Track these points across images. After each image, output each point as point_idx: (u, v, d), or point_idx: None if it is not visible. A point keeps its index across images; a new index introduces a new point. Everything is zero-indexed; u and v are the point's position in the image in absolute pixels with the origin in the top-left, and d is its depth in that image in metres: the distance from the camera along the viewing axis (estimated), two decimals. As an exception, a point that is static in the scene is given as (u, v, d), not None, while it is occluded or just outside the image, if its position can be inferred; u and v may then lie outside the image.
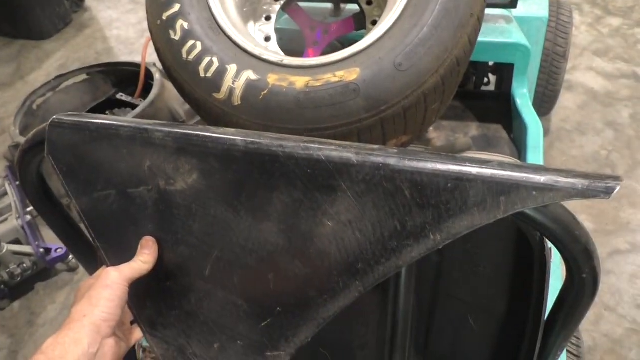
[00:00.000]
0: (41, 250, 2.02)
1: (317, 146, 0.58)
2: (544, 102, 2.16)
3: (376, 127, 1.04)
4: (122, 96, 2.49)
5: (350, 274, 0.61)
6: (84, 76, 2.59)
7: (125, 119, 0.68)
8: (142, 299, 0.74)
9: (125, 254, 0.71)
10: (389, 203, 0.56)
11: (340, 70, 1.01)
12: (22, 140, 2.22)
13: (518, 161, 1.47)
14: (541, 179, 0.52)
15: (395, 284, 0.90)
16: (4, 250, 1.95)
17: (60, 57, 3.57)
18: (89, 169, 0.69)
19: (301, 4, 1.40)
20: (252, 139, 0.60)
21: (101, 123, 0.67)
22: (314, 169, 0.58)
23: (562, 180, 0.51)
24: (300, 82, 1.02)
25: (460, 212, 0.54)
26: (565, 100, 2.56)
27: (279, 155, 0.59)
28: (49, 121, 0.69)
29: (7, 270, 1.97)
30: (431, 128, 1.69)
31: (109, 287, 0.64)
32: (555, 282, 0.92)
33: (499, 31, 1.65)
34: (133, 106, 2.42)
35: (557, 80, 2.07)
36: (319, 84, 1.00)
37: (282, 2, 1.37)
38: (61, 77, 2.54)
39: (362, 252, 0.60)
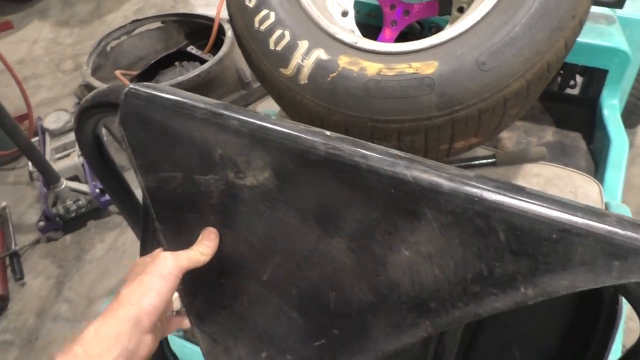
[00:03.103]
0: (97, 190, 2.08)
1: (405, 163, 0.51)
2: (634, 114, 1.98)
3: (446, 126, 0.97)
4: (192, 49, 2.49)
5: (421, 312, 0.54)
6: (158, 24, 2.61)
7: (203, 99, 0.63)
8: (194, 290, 0.70)
9: (183, 240, 0.67)
10: (478, 243, 0.49)
11: (417, 61, 0.94)
12: (92, 80, 2.27)
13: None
14: None
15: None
16: (63, 186, 2.02)
17: (139, 0, 3.61)
18: (159, 147, 0.65)
19: (385, -21, 1.32)
20: (334, 144, 0.54)
21: (177, 100, 0.62)
22: (398, 189, 0.51)
23: None
24: (372, 68, 0.95)
25: (562, 269, 0.46)
26: (656, 113, 2.33)
27: (360, 168, 0.52)
28: (125, 89, 0.64)
29: (64, 204, 2.05)
30: (503, 128, 1.58)
31: (163, 277, 0.61)
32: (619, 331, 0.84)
33: (598, 32, 1.49)
34: (202, 60, 2.41)
35: (653, 92, 1.88)
36: (391, 74, 0.94)
37: (365, -24, 1.29)
38: (136, 22, 2.57)
39: (438, 291, 0.52)
